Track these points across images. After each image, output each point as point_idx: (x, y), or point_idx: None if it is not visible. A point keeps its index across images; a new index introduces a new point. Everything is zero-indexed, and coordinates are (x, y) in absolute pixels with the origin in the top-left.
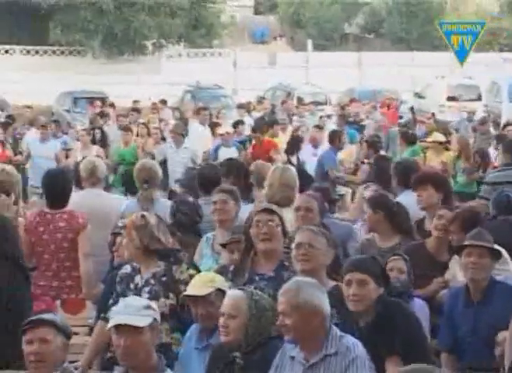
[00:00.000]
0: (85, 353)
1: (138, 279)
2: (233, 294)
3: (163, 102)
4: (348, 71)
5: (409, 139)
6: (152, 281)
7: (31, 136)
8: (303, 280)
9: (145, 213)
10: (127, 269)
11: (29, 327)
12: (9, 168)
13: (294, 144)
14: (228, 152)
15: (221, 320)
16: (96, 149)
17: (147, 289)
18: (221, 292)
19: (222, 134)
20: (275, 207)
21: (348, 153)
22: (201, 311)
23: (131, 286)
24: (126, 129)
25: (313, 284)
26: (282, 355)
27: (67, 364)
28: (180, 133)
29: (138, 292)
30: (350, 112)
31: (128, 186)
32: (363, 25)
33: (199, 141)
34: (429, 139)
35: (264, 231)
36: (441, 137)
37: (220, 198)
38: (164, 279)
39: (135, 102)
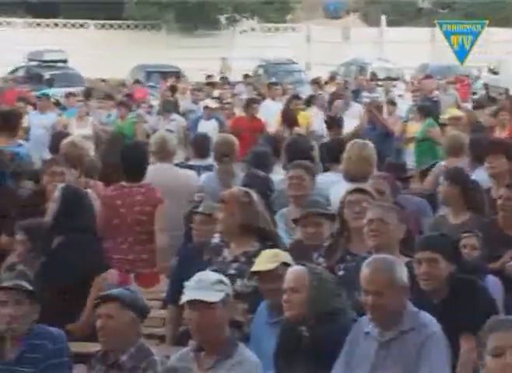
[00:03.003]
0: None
1: (226, 253)
2: (294, 269)
3: (246, 76)
4: (422, 47)
5: (425, 112)
6: (243, 259)
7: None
8: (389, 257)
9: (247, 189)
10: (216, 239)
11: (98, 302)
12: (79, 140)
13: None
14: (207, 125)
15: (284, 296)
16: (91, 121)
17: (235, 265)
18: (286, 266)
19: (206, 108)
20: (367, 187)
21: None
22: (269, 286)
23: (219, 258)
24: (119, 103)
25: (398, 260)
26: (356, 330)
27: (142, 340)
28: (167, 108)
29: (224, 266)
30: (424, 87)
31: None
32: (437, 0)
33: (271, 115)
34: (446, 115)
35: (357, 210)
36: (458, 113)
37: (297, 173)
38: (255, 260)
39: (209, 76)
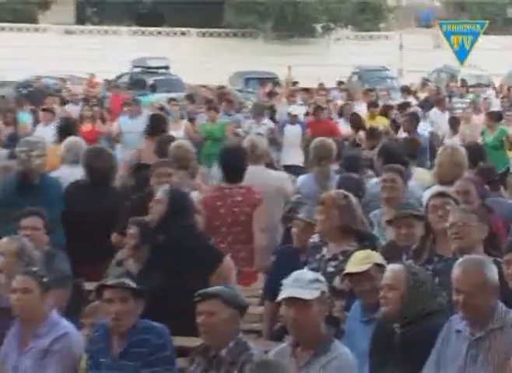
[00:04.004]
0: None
1: (325, 251)
2: (392, 267)
3: (340, 83)
4: (511, 54)
5: (495, 117)
6: (341, 257)
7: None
8: (480, 257)
9: (345, 192)
10: (314, 239)
11: (198, 300)
12: (186, 143)
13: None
14: (292, 129)
15: (381, 292)
16: (184, 123)
17: (333, 263)
18: (378, 266)
19: (288, 114)
20: (450, 190)
21: None
22: (363, 287)
23: (317, 256)
24: (210, 108)
25: (489, 260)
26: (448, 329)
27: (241, 335)
28: (258, 111)
29: (323, 264)
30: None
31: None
32: None
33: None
34: None
35: (440, 214)
36: None
37: (390, 177)
38: None
39: (295, 83)
